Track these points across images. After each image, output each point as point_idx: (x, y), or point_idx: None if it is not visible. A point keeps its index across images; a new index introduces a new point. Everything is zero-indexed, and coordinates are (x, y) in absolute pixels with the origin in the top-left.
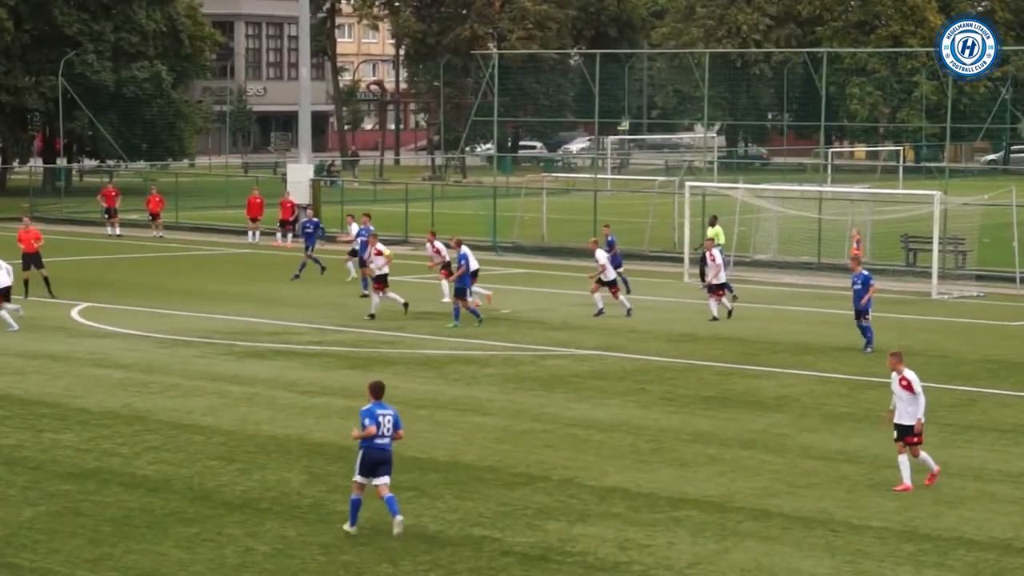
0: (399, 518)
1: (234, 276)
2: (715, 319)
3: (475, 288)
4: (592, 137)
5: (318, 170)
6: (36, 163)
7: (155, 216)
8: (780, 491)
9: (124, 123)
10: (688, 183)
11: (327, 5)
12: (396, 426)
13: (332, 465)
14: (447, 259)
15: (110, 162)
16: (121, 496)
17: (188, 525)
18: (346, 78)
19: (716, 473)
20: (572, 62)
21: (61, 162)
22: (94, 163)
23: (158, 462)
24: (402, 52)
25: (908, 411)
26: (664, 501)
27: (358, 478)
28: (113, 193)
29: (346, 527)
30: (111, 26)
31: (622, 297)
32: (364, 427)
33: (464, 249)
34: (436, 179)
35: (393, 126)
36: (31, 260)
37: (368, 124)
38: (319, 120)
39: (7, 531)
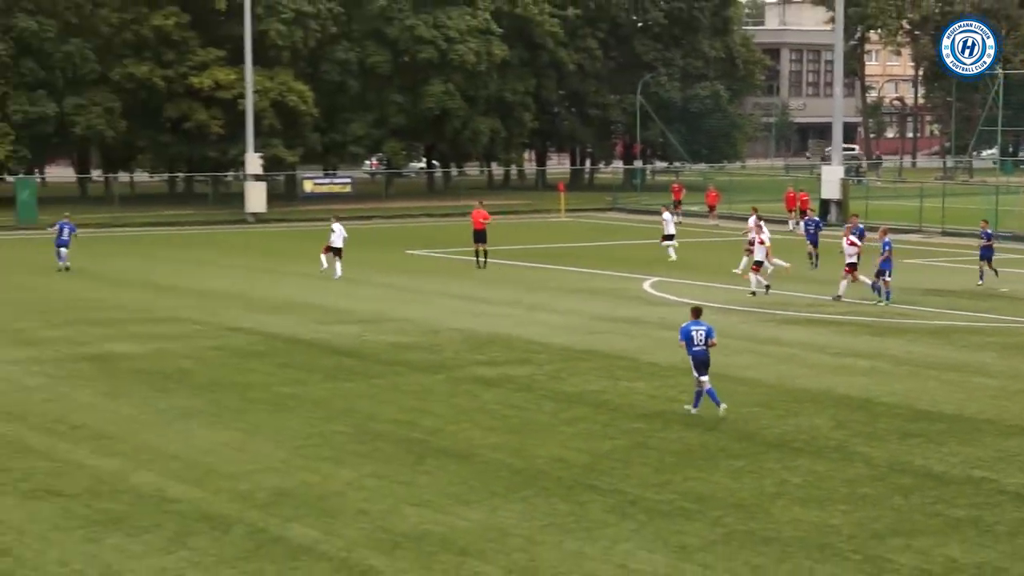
0: (723, 406)
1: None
2: None
3: (775, 260)
4: None
5: (847, 171)
6: (617, 165)
7: (712, 208)
8: None
9: (689, 132)
10: None
11: (858, 35)
12: (708, 336)
13: (854, 413)
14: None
15: (676, 164)
16: (681, 433)
17: (735, 459)
18: (872, 94)
19: None
20: None
21: (637, 164)
22: (664, 165)
23: (709, 406)
24: (920, 72)
25: None
26: None
27: (696, 376)
28: (680, 188)
29: (688, 407)
30: (680, 53)
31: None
32: (680, 342)
33: (888, 237)
34: (947, 179)
35: (911, 134)
36: (480, 236)
37: (890, 133)
38: (849, 130)
39: (591, 459)
